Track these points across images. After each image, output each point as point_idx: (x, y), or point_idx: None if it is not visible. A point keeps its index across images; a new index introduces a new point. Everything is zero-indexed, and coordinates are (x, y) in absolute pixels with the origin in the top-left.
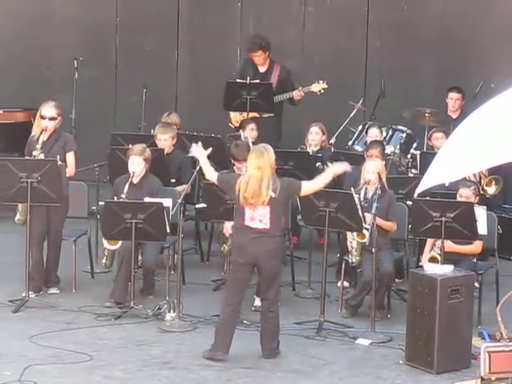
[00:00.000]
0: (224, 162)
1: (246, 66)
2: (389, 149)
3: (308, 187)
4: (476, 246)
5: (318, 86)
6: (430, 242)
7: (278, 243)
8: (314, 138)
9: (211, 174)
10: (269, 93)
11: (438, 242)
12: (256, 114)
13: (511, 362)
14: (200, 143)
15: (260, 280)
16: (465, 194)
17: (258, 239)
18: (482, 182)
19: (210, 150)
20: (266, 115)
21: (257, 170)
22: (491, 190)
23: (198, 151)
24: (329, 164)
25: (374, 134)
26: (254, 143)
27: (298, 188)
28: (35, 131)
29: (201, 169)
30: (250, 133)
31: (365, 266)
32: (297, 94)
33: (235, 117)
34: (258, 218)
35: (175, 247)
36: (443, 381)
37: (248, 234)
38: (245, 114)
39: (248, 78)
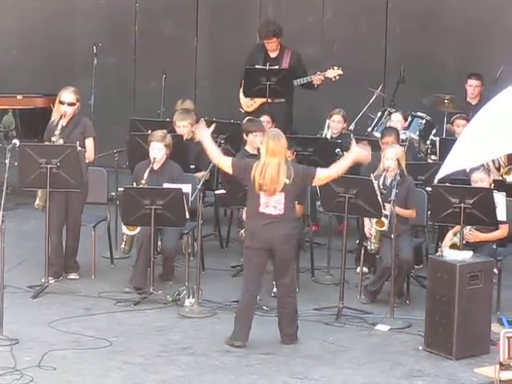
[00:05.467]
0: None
1: (256, 52)
2: (404, 135)
3: (322, 176)
4: (502, 231)
5: (333, 72)
6: (452, 231)
7: (291, 228)
8: (336, 126)
9: (222, 160)
10: (287, 79)
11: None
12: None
13: None
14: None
15: (274, 266)
16: (478, 178)
17: (271, 224)
18: (502, 170)
19: (212, 127)
20: (277, 100)
21: (273, 156)
22: (510, 178)
23: (202, 131)
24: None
25: (397, 119)
26: None
27: (312, 178)
28: (54, 116)
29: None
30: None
31: (384, 253)
32: (317, 79)
33: (246, 102)
34: (273, 204)
35: (194, 233)
36: (462, 367)
37: (262, 219)
38: (256, 100)
39: (268, 65)
